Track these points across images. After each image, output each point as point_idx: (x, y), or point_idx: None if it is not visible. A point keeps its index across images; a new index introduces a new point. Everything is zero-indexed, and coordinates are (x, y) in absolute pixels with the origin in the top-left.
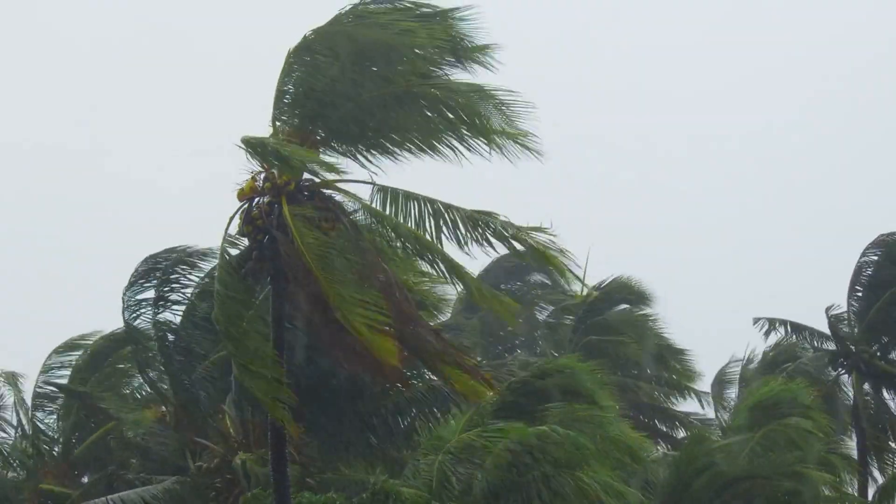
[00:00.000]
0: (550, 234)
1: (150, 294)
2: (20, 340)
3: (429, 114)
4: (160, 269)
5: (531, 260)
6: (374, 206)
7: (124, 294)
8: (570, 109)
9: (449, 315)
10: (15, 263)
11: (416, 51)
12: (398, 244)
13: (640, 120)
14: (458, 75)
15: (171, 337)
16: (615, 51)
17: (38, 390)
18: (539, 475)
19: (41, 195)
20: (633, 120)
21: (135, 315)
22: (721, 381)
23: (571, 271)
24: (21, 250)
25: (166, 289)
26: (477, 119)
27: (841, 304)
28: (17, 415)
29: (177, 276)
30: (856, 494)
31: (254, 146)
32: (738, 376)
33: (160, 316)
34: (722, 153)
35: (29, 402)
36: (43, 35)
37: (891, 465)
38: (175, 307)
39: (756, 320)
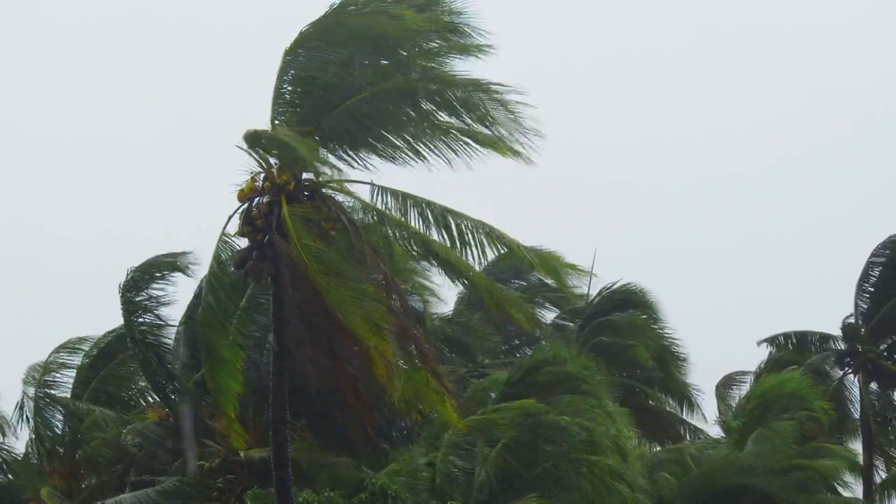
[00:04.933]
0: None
1: (147, 296)
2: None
3: (426, 108)
4: (155, 273)
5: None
6: (374, 205)
7: (122, 296)
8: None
9: (452, 308)
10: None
11: (412, 41)
12: (401, 242)
13: (640, 122)
14: (457, 65)
15: (168, 338)
16: (619, 55)
17: (40, 392)
18: (548, 464)
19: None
20: (634, 121)
21: (134, 317)
22: (728, 384)
23: (571, 270)
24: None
25: (160, 290)
26: (475, 114)
27: (846, 311)
28: (23, 413)
29: (171, 279)
30: (860, 494)
31: (257, 139)
32: (744, 380)
33: (157, 317)
34: (722, 151)
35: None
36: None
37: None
38: (171, 309)
39: (760, 342)
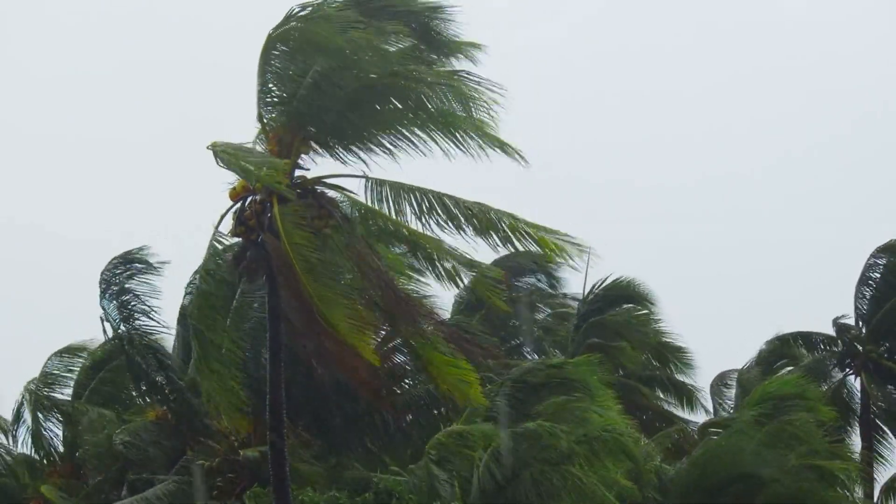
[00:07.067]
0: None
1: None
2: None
3: (407, 109)
4: (124, 276)
5: (537, 247)
6: (368, 199)
7: (101, 303)
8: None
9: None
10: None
11: (384, 47)
12: (392, 241)
13: (640, 122)
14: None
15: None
16: (619, 55)
17: (39, 394)
18: (533, 473)
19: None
20: (634, 121)
21: (117, 322)
22: (721, 383)
23: (570, 244)
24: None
25: (131, 295)
26: (450, 118)
27: (846, 311)
28: (20, 415)
29: (141, 279)
30: (861, 495)
31: (218, 154)
32: (736, 379)
33: (140, 319)
34: (722, 151)
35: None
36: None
37: None
38: (153, 311)
39: (768, 342)
